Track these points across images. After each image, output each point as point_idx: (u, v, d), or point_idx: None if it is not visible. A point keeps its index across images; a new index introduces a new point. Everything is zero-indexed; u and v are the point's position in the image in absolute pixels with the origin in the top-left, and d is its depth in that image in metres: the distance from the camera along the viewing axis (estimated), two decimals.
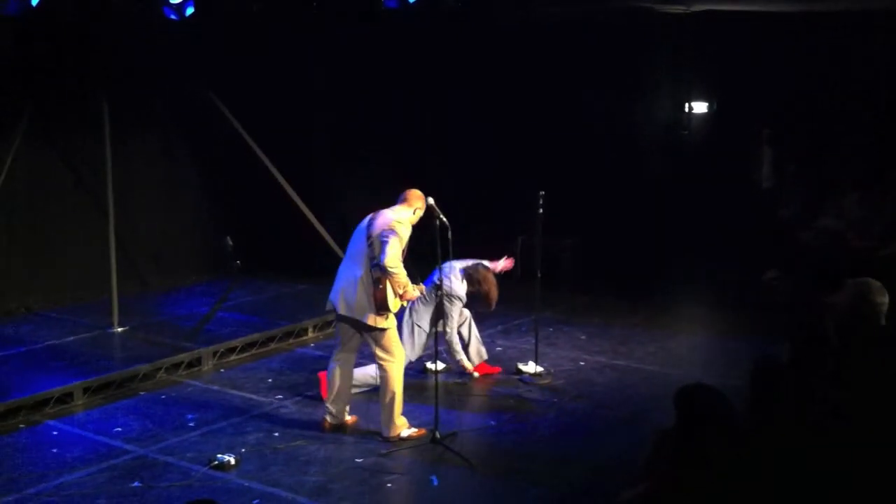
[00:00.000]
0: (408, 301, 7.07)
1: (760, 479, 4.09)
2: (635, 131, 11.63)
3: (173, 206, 11.45)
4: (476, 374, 8.23)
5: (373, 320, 6.74)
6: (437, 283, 7.30)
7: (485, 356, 8.33)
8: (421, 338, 7.95)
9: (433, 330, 7.91)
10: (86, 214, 10.28)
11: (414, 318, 7.93)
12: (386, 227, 6.66)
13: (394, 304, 6.75)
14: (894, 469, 4.26)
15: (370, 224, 6.78)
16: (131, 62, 10.05)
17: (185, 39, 10.04)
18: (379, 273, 6.64)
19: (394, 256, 6.58)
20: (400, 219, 6.72)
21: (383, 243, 6.60)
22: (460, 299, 8.02)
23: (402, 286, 6.71)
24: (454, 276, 7.98)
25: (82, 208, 10.34)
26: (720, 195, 10.98)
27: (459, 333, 8.14)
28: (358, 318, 6.79)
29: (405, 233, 6.71)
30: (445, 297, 7.80)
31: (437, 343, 7.55)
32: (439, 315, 7.85)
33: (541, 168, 10.73)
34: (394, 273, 6.61)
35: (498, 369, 8.36)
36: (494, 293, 8.06)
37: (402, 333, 7.66)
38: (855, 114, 10.39)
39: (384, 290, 6.65)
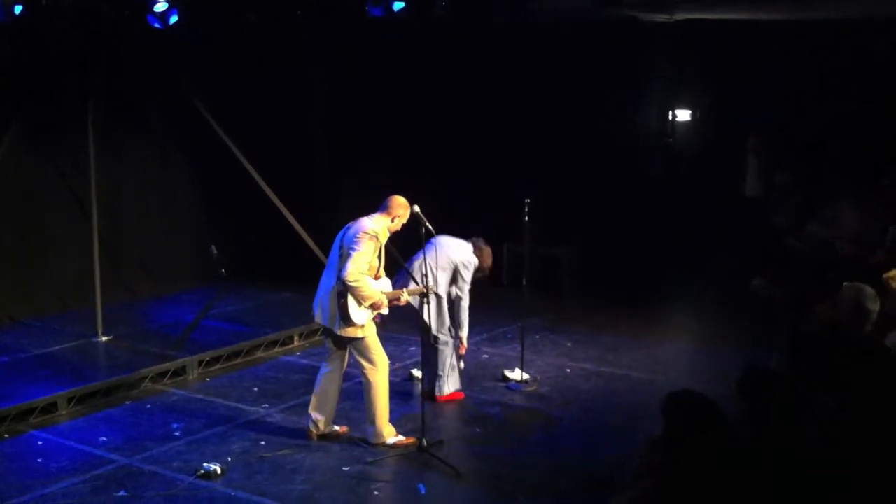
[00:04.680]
0: (382, 309, 6.88)
1: (750, 485, 4.10)
2: (622, 139, 11.66)
3: (159, 215, 11.41)
4: (462, 353, 8.03)
5: (343, 330, 6.73)
6: (423, 288, 7.14)
7: (458, 386, 8.15)
8: (441, 306, 7.75)
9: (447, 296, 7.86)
10: (71, 223, 10.23)
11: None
12: (354, 239, 6.65)
13: (361, 315, 6.70)
14: (887, 475, 4.28)
15: (345, 234, 6.79)
16: (119, 70, 10.03)
17: (175, 48, 10.03)
18: (341, 286, 6.64)
19: (355, 270, 6.56)
20: (372, 229, 6.69)
21: (349, 256, 6.61)
22: (474, 265, 7.90)
23: (366, 299, 6.66)
24: (460, 246, 7.87)
25: (68, 216, 10.29)
26: (708, 203, 11.01)
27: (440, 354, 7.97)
28: (331, 327, 6.80)
29: (375, 243, 6.67)
30: (461, 265, 7.77)
31: (424, 350, 7.52)
32: (451, 281, 7.82)
33: (527, 176, 10.74)
34: (353, 287, 6.59)
35: (462, 395, 8.14)
36: (491, 265, 8.10)
37: (432, 310, 7.42)
38: (844, 121, 10.42)
39: (345, 302, 6.64)
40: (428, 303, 7.08)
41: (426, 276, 7.18)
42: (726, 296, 10.30)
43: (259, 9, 10.09)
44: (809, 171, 10.71)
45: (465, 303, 7.88)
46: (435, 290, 7.43)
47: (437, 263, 7.56)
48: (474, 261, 7.90)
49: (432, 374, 7.87)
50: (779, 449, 4.22)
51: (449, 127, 11.92)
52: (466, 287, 7.87)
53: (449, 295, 7.89)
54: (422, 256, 7.22)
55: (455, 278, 7.83)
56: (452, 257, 7.73)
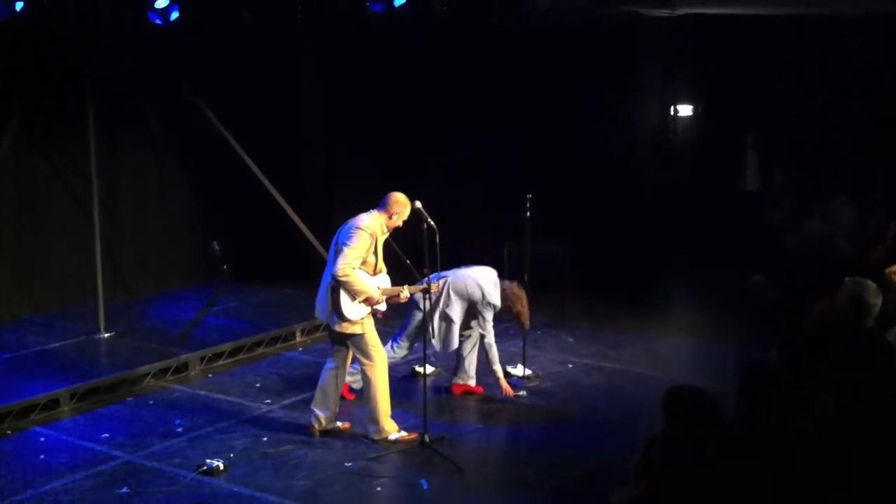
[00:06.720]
0: (379, 305, 6.88)
1: (750, 481, 4.10)
2: (621, 135, 11.64)
3: (160, 212, 11.40)
4: (508, 395, 7.93)
5: (339, 326, 6.74)
6: (427, 285, 7.09)
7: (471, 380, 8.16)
8: (451, 330, 7.73)
9: (467, 328, 7.84)
10: (73, 220, 10.23)
11: (443, 307, 7.70)
12: (348, 234, 6.67)
13: (355, 310, 6.70)
14: (885, 472, 4.29)
15: (342, 230, 6.80)
16: (119, 69, 10.01)
17: (174, 47, 10.02)
18: (334, 281, 6.65)
19: (345, 265, 6.58)
20: (367, 224, 6.70)
21: (341, 252, 6.63)
22: (495, 307, 7.80)
23: (358, 293, 6.66)
24: (492, 283, 7.81)
25: (69, 214, 10.28)
26: (707, 199, 11.00)
27: (462, 346, 8.00)
28: (328, 323, 6.82)
29: (369, 239, 6.68)
30: (481, 304, 7.71)
31: (425, 346, 7.54)
32: (471, 316, 7.78)
33: (528, 173, 10.72)
34: (344, 281, 6.59)
35: (480, 389, 8.11)
36: (527, 312, 8.00)
37: (438, 330, 7.55)
38: (843, 118, 10.42)
39: (338, 297, 6.65)
40: (429, 298, 7.08)
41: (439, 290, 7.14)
42: (725, 292, 10.30)
43: (258, 5, 10.07)
44: (808, 168, 10.71)
45: (490, 339, 7.77)
46: (439, 290, 7.42)
47: (456, 288, 7.62)
48: (495, 303, 7.76)
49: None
50: (777, 446, 4.22)
51: (448, 125, 11.91)
52: (489, 325, 7.79)
53: (468, 331, 7.88)
54: (447, 276, 7.18)
55: (475, 311, 7.76)
56: (478, 284, 7.68)
